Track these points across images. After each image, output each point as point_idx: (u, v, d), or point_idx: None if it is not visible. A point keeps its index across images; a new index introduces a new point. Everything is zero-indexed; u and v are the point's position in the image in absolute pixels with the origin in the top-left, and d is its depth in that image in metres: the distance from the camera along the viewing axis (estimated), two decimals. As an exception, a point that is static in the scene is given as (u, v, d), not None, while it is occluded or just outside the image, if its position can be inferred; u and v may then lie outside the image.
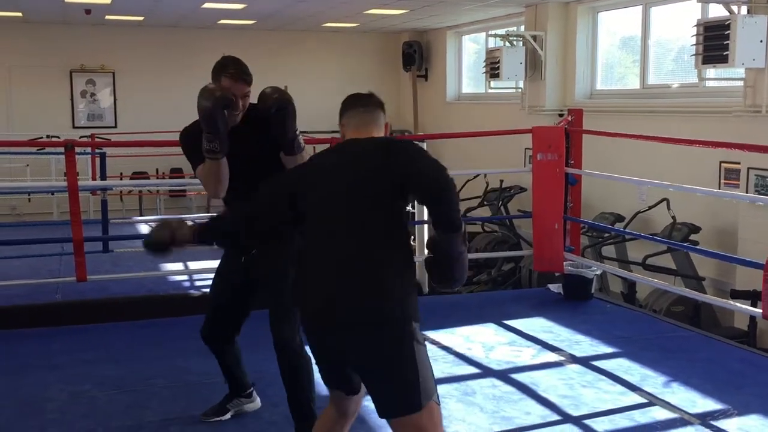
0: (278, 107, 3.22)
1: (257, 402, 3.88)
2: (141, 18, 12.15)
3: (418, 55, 13.75)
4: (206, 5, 10.69)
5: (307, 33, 13.98)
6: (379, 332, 2.41)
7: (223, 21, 12.52)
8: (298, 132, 3.31)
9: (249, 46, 13.76)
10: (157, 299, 6.10)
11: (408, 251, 2.60)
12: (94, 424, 3.83)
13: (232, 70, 3.27)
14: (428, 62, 13.95)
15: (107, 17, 11.99)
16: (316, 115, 13.52)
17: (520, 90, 10.63)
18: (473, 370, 4.64)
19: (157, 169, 12.73)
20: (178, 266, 6.98)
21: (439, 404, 2.51)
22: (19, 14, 11.72)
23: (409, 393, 2.39)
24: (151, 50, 13.26)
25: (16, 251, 6.99)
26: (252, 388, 3.86)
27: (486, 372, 4.60)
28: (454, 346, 5.06)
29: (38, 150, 10.86)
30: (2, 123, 12.64)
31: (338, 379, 2.64)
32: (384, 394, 2.46)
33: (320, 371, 2.68)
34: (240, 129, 3.32)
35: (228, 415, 3.79)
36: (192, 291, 6.70)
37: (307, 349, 2.95)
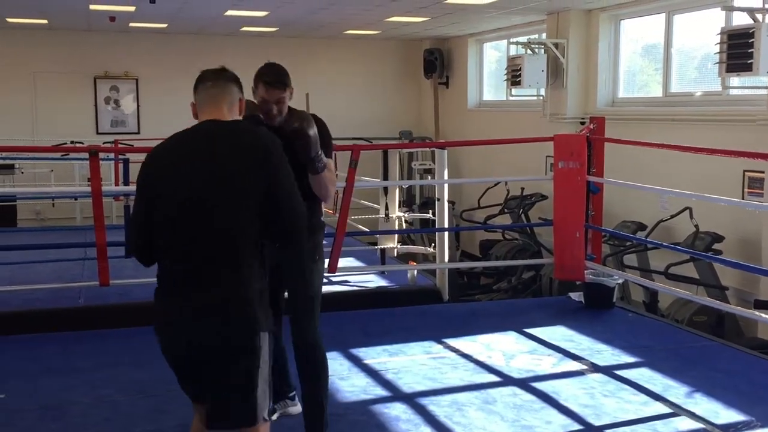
0: (297, 138, 3.23)
1: (299, 406, 3.83)
2: (164, 25, 12.26)
3: (439, 63, 13.76)
4: (229, 12, 10.76)
5: (329, 40, 14.03)
6: None
7: (245, 28, 12.59)
8: (320, 153, 3.30)
9: (271, 53, 13.76)
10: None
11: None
12: (116, 428, 3.86)
13: (266, 78, 3.38)
14: (449, 69, 13.95)
15: (131, 24, 12.10)
16: (338, 123, 13.55)
17: (541, 98, 10.61)
18: (493, 378, 4.63)
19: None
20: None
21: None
22: (45, 21, 11.85)
23: None
24: (174, 57, 13.35)
25: (40, 255, 7.05)
26: (294, 392, 3.86)
27: (506, 380, 4.59)
28: (474, 353, 5.05)
29: (62, 156, 10.96)
30: (27, 129, 12.78)
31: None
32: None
33: None
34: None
35: (275, 416, 3.76)
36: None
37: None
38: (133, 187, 9.73)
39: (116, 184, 9.99)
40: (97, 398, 4.22)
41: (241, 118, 2.77)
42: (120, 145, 11.22)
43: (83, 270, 7.05)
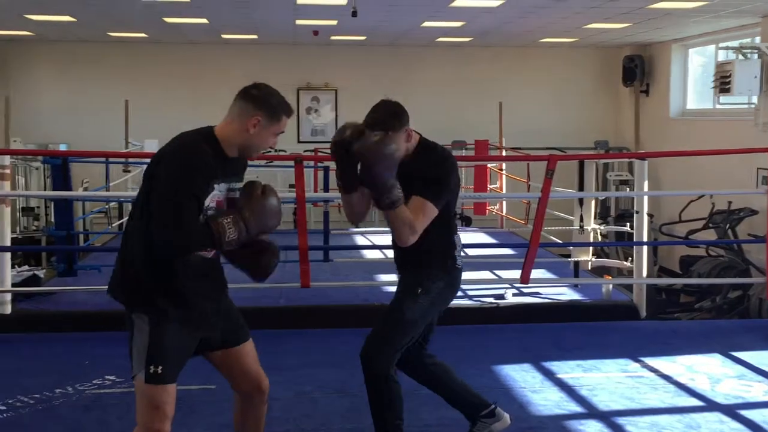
0: (362, 161, 3.06)
1: (505, 418, 3.60)
2: (363, 37, 12.68)
3: (639, 70, 13.24)
4: (426, 24, 10.96)
5: (523, 49, 13.91)
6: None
7: (440, 39, 12.77)
8: (388, 185, 3.04)
9: (464, 62, 13.96)
10: (375, 308, 6.30)
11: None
12: (314, 424, 4.03)
13: (367, 119, 3.15)
14: (650, 77, 13.39)
15: (332, 37, 12.63)
16: (531, 131, 13.45)
17: (752, 106, 9.93)
18: (697, 402, 4.38)
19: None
20: (393, 277, 7.17)
21: (147, 381, 2.70)
22: (255, 36, 12.63)
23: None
24: (371, 68, 13.78)
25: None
26: (494, 405, 3.58)
27: (711, 406, 4.32)
28: (675, 375, 4.81)
29: (267, 163, 11.61)
30: (236, 138, 13.65)
31: None
32: None
33: None
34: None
35: None
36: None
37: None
38: (333, 194, 10.13)
39: (315, 191, 10.45)
40: (298, 394, 4.42)
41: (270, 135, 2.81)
42: (319, 154, 11.72)
43: (283, 272, 7.39)
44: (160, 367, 2.70)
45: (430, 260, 3.32)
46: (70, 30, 11.84)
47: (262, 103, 2.77)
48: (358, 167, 3.11)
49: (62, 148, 12.35)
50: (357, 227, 12.09)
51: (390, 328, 3.31)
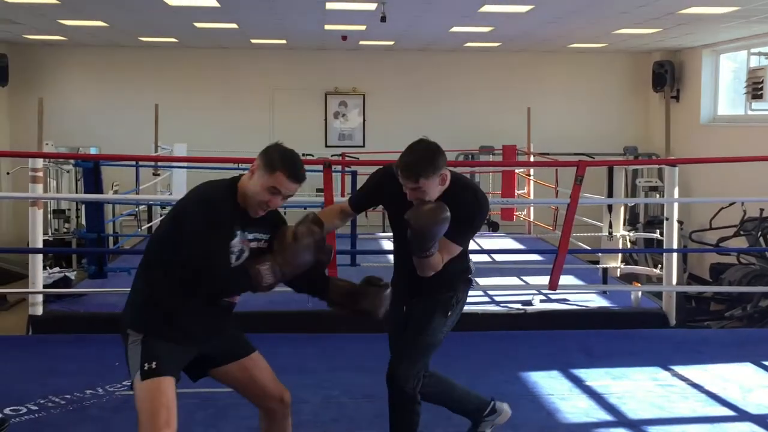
0: (413, 231, 3.06)
1: (505, 409, 3.66)
2: (391, 43, 12.70)
3: (669, 75, 13.13)
4: (454, 29, 10.95)
5: (552, 54, 13.85)
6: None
7: (469, 44, 12.75)
8: (429, 248, 3.08)
9: (492, 67, 13.93)
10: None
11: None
12: (342, 429, 4.04)
13: (399, 162, 3.08)
14: (680, 82, 13.27)
15: (361, 43, 12.66)
16: (559, 137, 13.38)
17: (785, 112, 9.81)
18: (728, 412, 4.33)
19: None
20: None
21: (143, 377, 2.73)
22: (284, 41, 12.70)
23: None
24: (399, 73, 13.80)
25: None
26: (493, 402, 3.64)
27: (742, 415, 4.27)
28: (705, 384, 4.75)
29: (295, 167, 11.65)
30: (264, 141, 13.57)
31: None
32: None
33: None
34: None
35: None
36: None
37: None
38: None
39: (342, 195, 10.48)
40: (326, 399, 4.43)
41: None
42: (347, 158, 11.75)
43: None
44: (155, 363, 2.74)
45: (454, 281, 3.35)
46: (103, 35, 11.99)
47: (265, 152, 2.82)
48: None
49: (93, 151, 12.48)
50: (386, 232, 12.12)
51: (421, 351, 3.31)
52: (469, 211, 3.19)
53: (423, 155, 3.05)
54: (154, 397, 2.73)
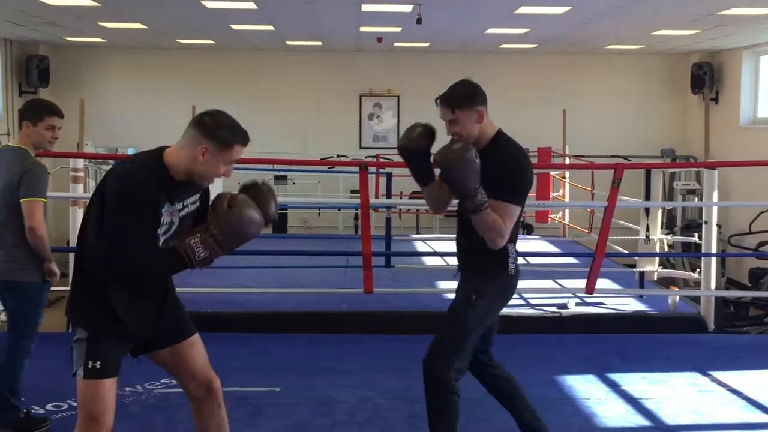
0: (442, 170, 3.10)
1: None
2: (427, 44, 12.70)
3: (708, 77, 12.96)
4: (490, 30, 10.92)
5: (588, 55, 13.74)
6: None
7: (504, 45, 12.70)
8: (473, 191, 3.05)
9: (528, 69, 13.86)
10: (436, 316, 6.31)
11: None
12: (378, 430, 4.04)
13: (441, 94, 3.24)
14: (719, 84, 13.09)
15: (395, 44, 12.68)
16: (595, 139, 13.27)
17: (828, 114, 9.63)
18: (768, 419, 4.27)
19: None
20: (454, 285, 7.15)
21: (86, 376, 2.71)
22: (319, 43, 12.76)
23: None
24: (433, 74, 13.72)
25: (307, 261, 7.58)
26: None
27: (784, 423, 4.21)
28: (745, 390, 4.70)
29: (329, 168, 11.71)
30: (299, 143, 13.80)
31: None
32: None
33: None
34: None
35: None
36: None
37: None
38: (395, 200, 10.14)
39: (377, 197, 10.49)
40: (361, 399, 4.44)
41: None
42: (381, 160, 11.76)
43: (345, 277, 7.46)
44: (98, 363, 2.71)
45: (485, 266, 3.30)
46: (141, 36, 12.14)
47: (212, 132, 2.69)
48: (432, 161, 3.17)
49: (131, 152, 12.64)
50: (419, 234, 12.11)
51: (449, 336, 3.30)
52: (511, 170, 3.18)
53: (461, 88, 3.24)
54: (95, 400, 2.72)
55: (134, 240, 2.61)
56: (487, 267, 3.30)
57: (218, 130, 2.71)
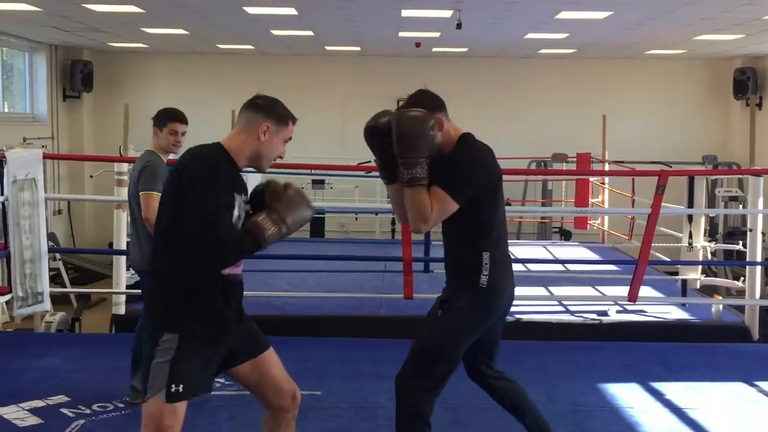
0: (394, 128, 3.04)
1: None
2: (465, 49, 12.67)
3: (752, 82, 12.77)
4: (529, 35, 10.87)
5: (628, 61, 13.62)
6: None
7: (543, 50, 12.64)
8: (407, 157, 2.97)
9: (567, 74, 13.77)
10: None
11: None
12: (418, 436, 4.02)
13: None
14: (763, 89, 12.89)
15: (434, 49, 12.67)
16: (635, 145, 13.14)
17: None
18: (819, 431, 4.18)
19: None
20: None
21: (168, 401, 2.64)
22: (358, 48, 12.81)
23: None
24: (471, 79, 13.74)
25: (344, 266, 7.60)
26: None
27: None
28: (792, 402, 4.61)
29: (366, 173, 11.72)
30: (337, 148, 13.85)
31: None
32: None
33: None
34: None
35: None
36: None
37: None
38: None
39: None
40: (401, 404, 4.43)
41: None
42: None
43: (383, 281, 7.46)
44: (181, 386, 2.66)
45: (457, 278, 3.18)
46: (182, 42, 12.30)
47: (270, 110, 2.85)
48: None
49: (171, 156, 12.80)
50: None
51: (424, 346, 3.15)
52: (461, 162, 3.05)
53: (416, 98, 3.13)
54: (170, 416, 2.67)
55: (218, 216, 2.63)
56: (459, 279, 3.16)
57: (275, 108, 2.86)
